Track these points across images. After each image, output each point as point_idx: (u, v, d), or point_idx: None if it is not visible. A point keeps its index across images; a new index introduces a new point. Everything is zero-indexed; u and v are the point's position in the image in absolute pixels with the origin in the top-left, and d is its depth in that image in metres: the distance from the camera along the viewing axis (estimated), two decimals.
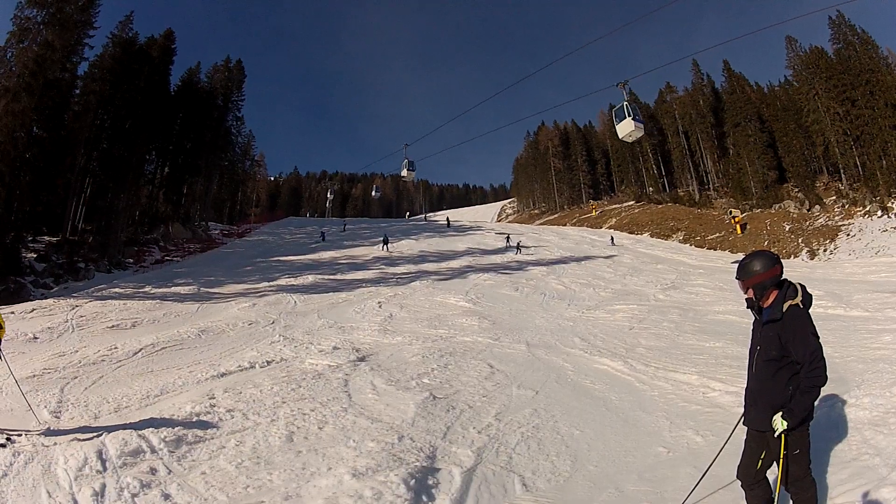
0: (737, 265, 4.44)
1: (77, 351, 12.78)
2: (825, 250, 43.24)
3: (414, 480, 5.90)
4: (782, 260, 4.37)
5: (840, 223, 47.27)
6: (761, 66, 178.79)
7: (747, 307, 4.40)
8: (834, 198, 53.23)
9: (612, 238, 51.30)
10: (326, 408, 8.48)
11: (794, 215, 52.03)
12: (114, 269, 34.75)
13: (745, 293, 4.32)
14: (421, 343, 13.83)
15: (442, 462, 6.59)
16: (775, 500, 4.22)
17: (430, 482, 6.02)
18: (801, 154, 57.38)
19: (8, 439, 6.80)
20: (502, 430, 7.76)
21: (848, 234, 44.29)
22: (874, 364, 9.76)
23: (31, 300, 22.82)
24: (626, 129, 22.06)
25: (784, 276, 4.25)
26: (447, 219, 69.53)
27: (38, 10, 27.95)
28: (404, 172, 31.17)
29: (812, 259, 42.49)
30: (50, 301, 20.92)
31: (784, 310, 4.03)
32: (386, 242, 41.38)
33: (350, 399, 9.02)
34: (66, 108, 38.55)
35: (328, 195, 77.09)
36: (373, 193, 74.13)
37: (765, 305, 4.22)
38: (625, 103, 21.81)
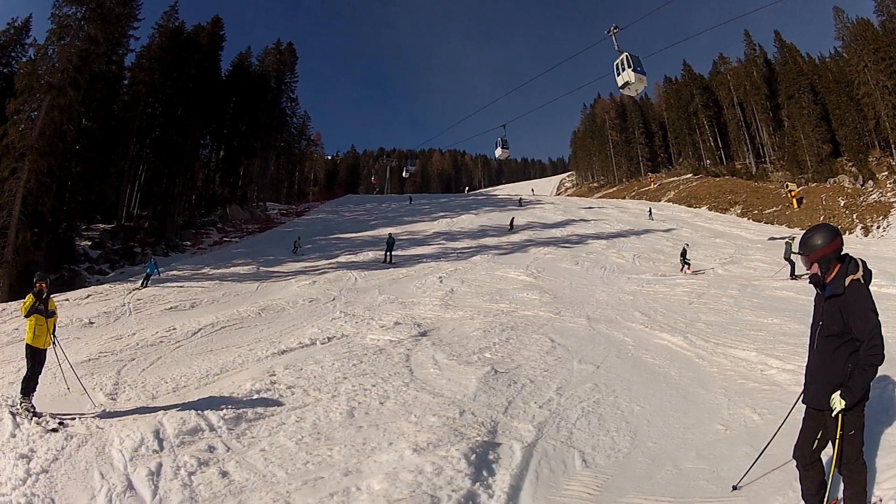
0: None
1: (134, 333, 13.21)
2: (878, 227, 42.05)
3: (475, 455, 5.94)
4: None
5: (892, 199, 45.90)
6: (812, 38, 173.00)
7: (810, 282, 4.32)
8: (886, 173, 51.26)
9: (651, 211, 50.51)
10: (388, 383, 8.63)
11: (849, 190, 50.44)
12: (171, 253, 35.85)
13: (810, 269, 4.24)
14: (482, 317, 13.96)
15: (503, 437, 6.62)
16: (828, 482, 4.16)
17: (491, 457, 6.05)
18: (853, 128, 55.05)
19: (60, 423, 6.97)
20: (563, 405, 7.77)
21: None
22: None
23: (87, 287, 23.60)
24: (625, 79, 22.60)
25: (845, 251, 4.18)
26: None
27: (76, 6, 28.30)
28: (498, 151, 34.12)
29: (866, 235, 41.47)
30: (106, 286, 21.64)
31: (846, 284, 3.95)
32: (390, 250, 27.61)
33: (411, 374, 9.16)
34: (115, 98, 39.68)
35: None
36: (403, 174, 74.09)
37: (827, 280, 4.16)
38: (625, 55, 22.37)
